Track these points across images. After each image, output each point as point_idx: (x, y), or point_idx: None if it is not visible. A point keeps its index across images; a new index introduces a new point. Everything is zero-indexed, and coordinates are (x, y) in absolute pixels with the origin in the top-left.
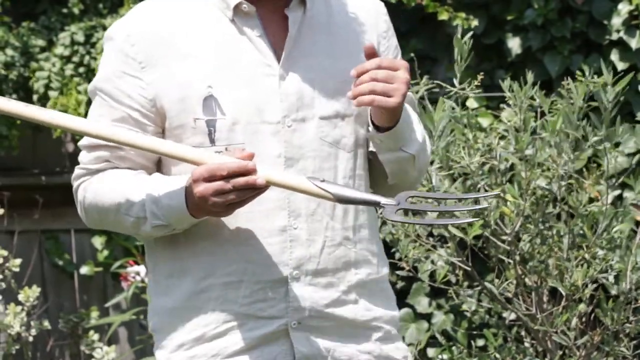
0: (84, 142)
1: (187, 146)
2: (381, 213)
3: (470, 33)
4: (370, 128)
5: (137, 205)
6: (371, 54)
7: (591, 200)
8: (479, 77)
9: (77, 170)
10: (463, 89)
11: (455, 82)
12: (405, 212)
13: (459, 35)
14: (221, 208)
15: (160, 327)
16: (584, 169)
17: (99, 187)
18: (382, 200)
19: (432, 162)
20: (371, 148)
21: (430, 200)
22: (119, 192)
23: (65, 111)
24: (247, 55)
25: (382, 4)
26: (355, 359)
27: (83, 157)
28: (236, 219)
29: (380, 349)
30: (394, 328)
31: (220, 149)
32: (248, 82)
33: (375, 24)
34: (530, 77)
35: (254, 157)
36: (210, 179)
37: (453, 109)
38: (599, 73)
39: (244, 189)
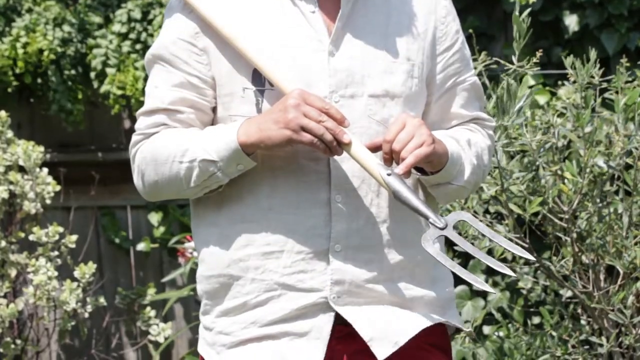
0: (142, 109)
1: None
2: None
3: (528, 10)
4: (416, 173)
5: (190, 150)
6: (377, 146)
7: None
8: (538, 54)
9: (135, 137)
10: (522, 66)
11: (514, 59)
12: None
13: (517, 13)
14: (291, 126)
15: (202, 294)
16: None
17: (154, 144)
18: (432, 217)
19: (497, 139)
20: None
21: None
22: (174, 142)
23: (123, 88)
24: (299, 29)
25: None
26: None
27: (140, 123)
28: (280, 188)
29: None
30: (436, 309)
31: None
32: (298, 55)
33: (433, 8)
34: (593, 54)
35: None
36: (310, 103)
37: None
38: None
39: (326, 132)
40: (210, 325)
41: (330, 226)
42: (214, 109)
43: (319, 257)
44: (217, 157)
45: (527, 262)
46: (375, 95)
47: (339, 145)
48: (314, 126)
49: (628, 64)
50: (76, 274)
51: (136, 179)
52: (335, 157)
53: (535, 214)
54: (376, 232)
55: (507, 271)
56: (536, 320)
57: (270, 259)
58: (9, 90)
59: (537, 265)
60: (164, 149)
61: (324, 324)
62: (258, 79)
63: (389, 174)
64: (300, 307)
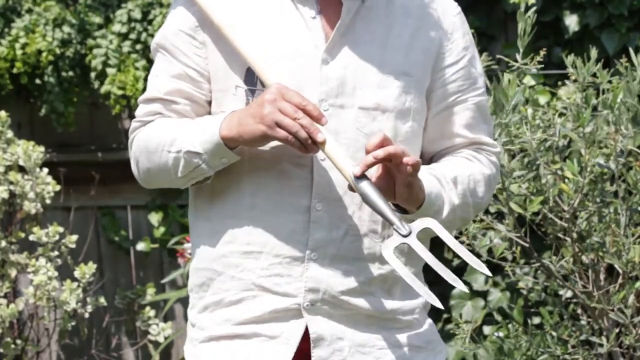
0: (143, 96)
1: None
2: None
3: (533, 9)
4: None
5: (178, 140)
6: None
7: None
8: (542, 52)
9: (133, 124)
10: (525, 64)
11: (518, 57)
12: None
13: (522, 10)
14: (265, 121)
15: (191, 288)
16: None
17: (148, 132)
18: (396, 223)
19: (497, 137)
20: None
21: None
22: (165, 131)
23: (124, 88)
24: (297, 33)
25: (455, 4)
26: (371, 344)
27: (139, 110)
28: (263, 189)
29: (395, 337)
30: (417, 315)
31: None
32: (292, 59)
33: (440, 23)
34: (594, 53)
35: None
36: (287, 99)
37: (509, 82)
38: None
39: (300, 129)
40: (193, 321)
41: (308, 233)
42: (210, 102)
43: (295, 262)
44: (201, 149)
45: (527, 262)
46: (365, 108)
47: (314, 144)
48: (289, 122)
49: (628, 64)
50: (76, 274)
51: (133, 166)
52: (322, 164)
53: (536, 213)
54: (355, 244)
55: (461, 285)
56: (536, 320)
57: (249, 258)
58: (9, 90)
59: (537, 265)
60: (155, 138)
61: (295, 330)
62: (251, 78)
63: (357, 177)
64: (273, 310)
